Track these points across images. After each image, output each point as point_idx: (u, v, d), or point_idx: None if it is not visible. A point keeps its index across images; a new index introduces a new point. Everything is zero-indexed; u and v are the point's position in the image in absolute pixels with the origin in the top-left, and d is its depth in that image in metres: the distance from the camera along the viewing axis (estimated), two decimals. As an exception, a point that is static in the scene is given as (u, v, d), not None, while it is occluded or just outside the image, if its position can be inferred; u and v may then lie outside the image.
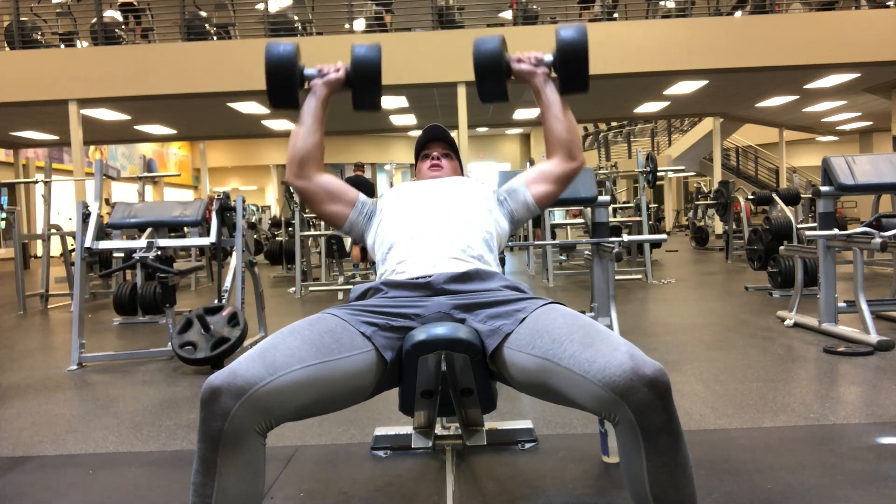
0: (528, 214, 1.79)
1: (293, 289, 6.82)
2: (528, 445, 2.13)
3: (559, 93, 1.71)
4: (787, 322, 4.06)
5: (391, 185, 10.03)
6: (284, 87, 1.63)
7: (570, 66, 1.63)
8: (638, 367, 1.10)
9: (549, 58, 1.70)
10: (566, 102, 1.72)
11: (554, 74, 1.72)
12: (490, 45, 1.67)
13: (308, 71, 1.71)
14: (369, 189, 7.80)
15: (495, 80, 1.70)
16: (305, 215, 7.54)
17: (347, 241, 6.94)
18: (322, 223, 8.02)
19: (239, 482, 1.16)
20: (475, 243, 1.60)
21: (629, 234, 8.03)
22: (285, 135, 14.45)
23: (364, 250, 7.37)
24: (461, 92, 8.80)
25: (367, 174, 11.70)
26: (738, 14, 9.59)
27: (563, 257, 9.42)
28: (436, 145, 1.90)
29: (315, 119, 1.69)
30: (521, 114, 12.75)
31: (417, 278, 1.49)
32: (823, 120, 15.12)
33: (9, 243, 13.78)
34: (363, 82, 1.67)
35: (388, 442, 2.15)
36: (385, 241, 1.65)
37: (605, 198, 3.81)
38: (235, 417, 1.12)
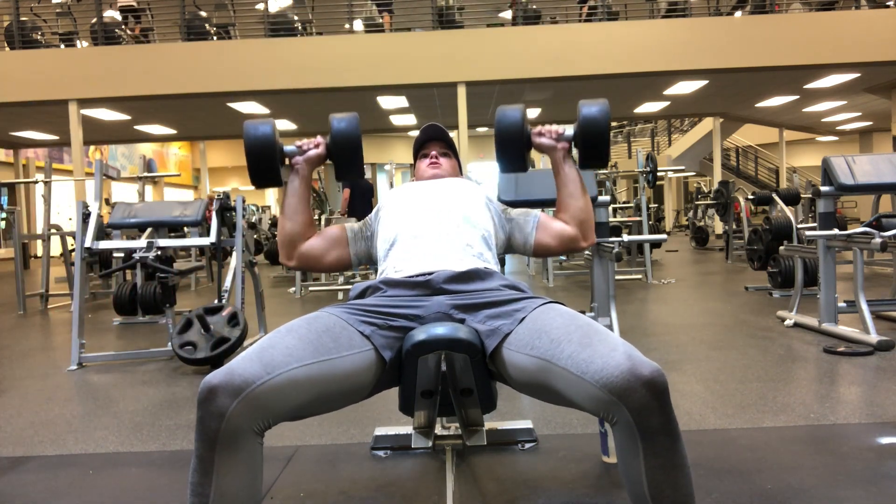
0: (519, 249, 1.78)
1: (293, 289, 6.82)
2: (528, 445, 2.13)
3: (579, 166, 1.70)
4: (787, 322, 4.06)
5: (391, 185, 10.02)
6: (266, 167, 1.62)
7: (591, 142, 1.63)
8: (635, 368, 1.10)
9: (569, 132, 1.69)
10: (582, 182, 1.72)
11: (574, 149, 1.71)
12: (512, 119, 1.67)
13: (288, 148, 1.70)
14: (367, 189, 7.75)
15: (516, 153, 1.70)
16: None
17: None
18: (322, 223, 8.02)
19: (236, 481, 1.16)
20: (475, 241, 1.60)
21: (629, 234, 8.03)
22: (285, 135, 14.46)
23: None
24: (461, 92, 8.79)
25: (367, 174, 11.67)
26: (738, 14, 9.60)
27: (563, 257, 9.41)
28: (434, 145, 1.90)
29: (300, 200, 1.69)
30: (521, 114, 12.72)
31: (417, 276, 1.49)
32: (823, 120, 15.12)
33: (9, 243, 13.78)
34: (343, 154, 1.67)
35: (388, 442, 2.15)
36: (385, 240, 1.65)
37: (605, 198, 3.80)
38: (232, 416, 1.12)
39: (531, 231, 1.74)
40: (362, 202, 7.58)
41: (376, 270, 1.69)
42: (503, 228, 1.76)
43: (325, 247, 1.73)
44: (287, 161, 1.71)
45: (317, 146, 1.69)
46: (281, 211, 1.73)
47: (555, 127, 1.70)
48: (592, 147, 1.64)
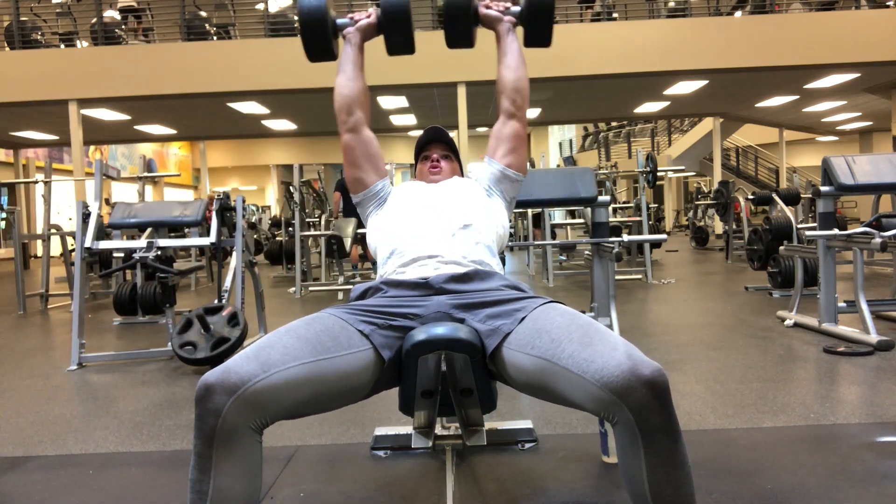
0: (515, 184, 1.81)
1: (293, 289, 6.82)
2: (528, 445, 2.13)
3: (524, 44, 1.77)
4: (787, 322, 4.06)
5: (391, 184, 9.98)
6: (319, 38, 1.68)
7: (537, 19, 1.69)
8: (636, 368, 1.10)
9: (516, 8, 1.75)
10: (522, 56, 1.77)
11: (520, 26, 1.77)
12: None
13: (341, 20, 1.76)
14: None
15: (463, 24, 1.74)
16: (305, 215, 7.54)
17: (348, 242, 6.93)
18: (322, 223, 8.02)
19: (235, 479, 1.16)
20: (476, 249, 1.60)
21: (629, 234, 8.03)
22: (285, 135, 14.46)
23: (362, 254, 7.35)
24: (461, 92, 8.79)
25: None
26: (738, 14, 9.59)
27: (563, 257, 9.42)
28: (435, 147, 1.90)
29: (355, 66, 1.75)
30: (521, 114, 12.73)
31: (417, 278, 1.49)
32: (823, 120, 15.12)
33: (9, 243, 13.78)
34: (394, 25, 1.71)
35: (388, 442, 2.15)
36: (387, 240, 1.65)
37: (605, 198, 3.81)
38: (228, 414, 1.13)
39: (498, 168, 1.79)
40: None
41: (377, 271, 1.69)
42: (499, 196, 1.79)
43: (373, 159, 1.77)
44: (339, 34, 1.76)
45: (368, 16, 1.76)
46: (338, 75, 1.77)
47: (502, 1, 1.77)
48: (537, 24, 1.70)
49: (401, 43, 1.74)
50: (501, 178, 1.79)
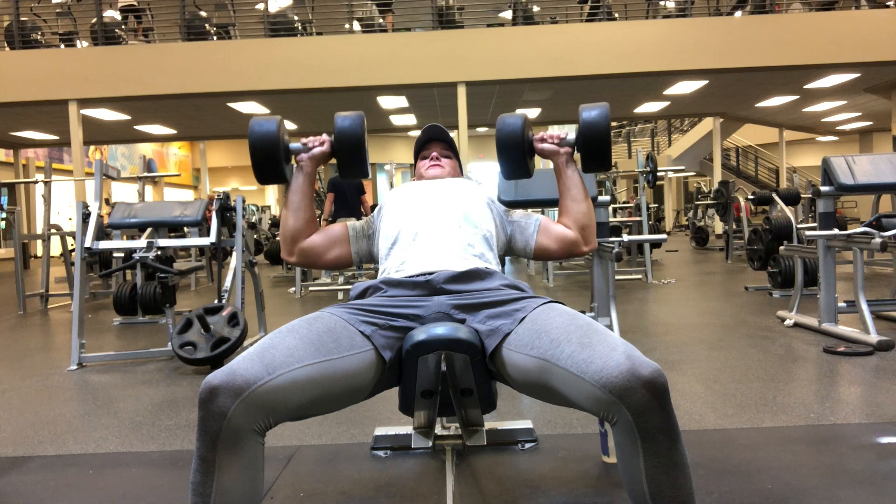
0: (520, 252, 1.78)
1: (293, 289, 6.82)
2: (528, 445, 2.13)
3: (582, 170, 1.71)
4: (787, 322, 4.06)
5: (391, 185, 10.00)
6: (270, 164, 1.63)
7: (593, 146, 1.64)
8: (635, 368, 1.10)
9: (571, 137, 1.70)
10: (584, 186, 1.73)
11: (576, 154, 1.72)
12: (512, 127, 1.68)
13: (294, 145, 1.70)
14: (356, 186, 7.68)
15: (518, 160, 1.71)
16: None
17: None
18: (322, 223, 8.02)
19: (238, 481, 1.16)
20: (476, 241, 1.61)
21: (629, 234, 8.03)
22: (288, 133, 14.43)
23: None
24: (461, 92, 8.79)
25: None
26: (738, 14, 9.59)
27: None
28: (435, 145, 1.91)
29: (303, 196, 1.70)
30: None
31: (417, 276, 1.49)
32: (823, 120, 15.12)
33: (9, 243, 13.79)
34: (348, 153, 1.67)
35: (388, 442, 2.15)
36: (387, 239, 1.66)
37: (605, 198, 3.80)
38: (233, 417, 1.13)
39: (532, 234, 1.74)
40: (350, 201, 7.49)
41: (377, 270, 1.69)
42: (504, 230, 1.76)
43: (327, 244, 1.73)
44: (293, 159, 1.72)
45: (321, 144, 1.70)
46: (284, 207, 1.74)
47: (556, 132, 1.72)
48: (594, 151, 1.65)
49: (354, 170, 1.70)
50: (523, 241, 1.75)
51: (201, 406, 1.13)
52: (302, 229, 1.70)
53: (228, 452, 1.14)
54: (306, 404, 1.24)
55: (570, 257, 1.77)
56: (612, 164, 1.69)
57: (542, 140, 1.72)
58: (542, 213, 7.59)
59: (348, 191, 7.48)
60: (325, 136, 1.71)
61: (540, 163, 9.44)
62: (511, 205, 3.20)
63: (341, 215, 7.37)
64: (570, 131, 1.72)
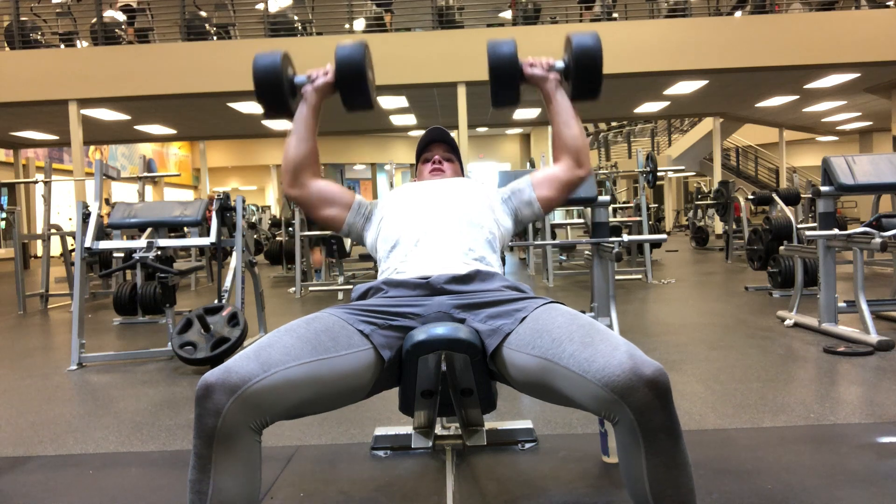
0: (532, 215, 1.78)
1: (293, 289, 6.82)
2: (528, 445, 2.13)
3: (570, 99, 1.72)
4: (787, 322, 4.06)
5: (391, 185, 10.00)
6: (274, 97, 1.63)
7: (584, 72, 1.64)
8: (637, 367, 1.10)
9: (561, 63, 1.71)
10: (576, 109, 1.73)
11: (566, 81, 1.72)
12: (504, 50, 1.67)
13: (298, 78, 1.71)
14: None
15: (509, 85, 1.71)
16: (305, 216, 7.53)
17: (348, 242, 6.94)
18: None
19: (234, 479, 1.16)
20: (478, 245, 1.60)
21: (629, 234, 8.03)
22: (285, 135, 14.43)
23: (328, 255, 7.32)
24: (461, 92, 8.79)
25: (367, 174, 11.62)
26: (738, 14, 9.59)
27: (563, 257, 9.42)
28: (437, 147, 1.90)
29: (307, 128, 1.70)
30: (521, 114, 12.75)
31: (418, 278, 1.49)
32: (823, 120, 15.12)
33: (9, 243, 13.78)
34: (348, 84, 1.67)
35: (388, 442, 2.15)
36: (388, 241, 1.65)
37: (605, 198, 3.81)
38: (228, 414, 1.13)
39: (531, 194, 1.76)
40: None
41: (377, 271, 1.69)
42: (510, 213, 1.76)
43: (328, 197, 1.74)
44: (298, 92, 1.72)
45: (325, 74, 1.70)
46: (288, 136, 1.73)
47: (546, 58, 1.73)
48: (586, 78, 1.65)
49: (357, 101, 1.70)
50: (527, 203, 1.76)
51: (197, 403, 1.14)
52: (305, 160, 1.70)
53: (224, 449, 1.14)
54: (302, 403, 1.24)
55: (573, 189, 1.77)
56: (600, 93, 1.69)
57: (532, 65, 1.73)
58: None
59: None
60: (329, 66, 1.71)
61: (540, 162, 9.32)
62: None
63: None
64: (558, 60, 1.73)
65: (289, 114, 1.68)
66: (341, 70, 1.65)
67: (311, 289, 6.86)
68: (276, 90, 1.62)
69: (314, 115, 1.71)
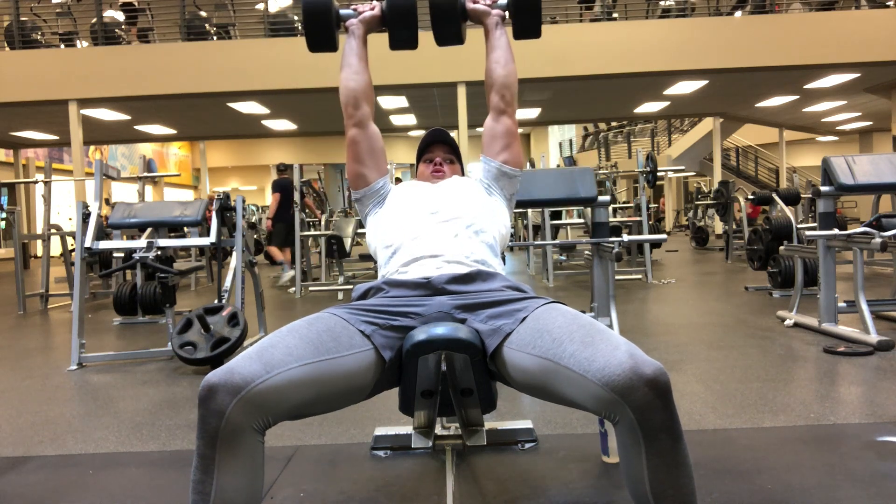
0: (513, 180, 1.81)
1: (293, 289, 6.82)
2: (528, 445, 2.13)
3: (513, 35, 1.76)
4: (787, 322, 4.06)
5: (391, 183, 9.95)
6: (322, 28, 1.67)
7: (524, 10, 1.68)
8: (638, 367, 1.10)
9: (503, 1, 1.74)
10: (511, 51, 1.76)
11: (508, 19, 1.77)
12: None
13: (345, 11, 1.75)
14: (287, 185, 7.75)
15: (451, 21, 1.73)
16: (305, 216, 7.54)
17: (347, 242, 6.94)
18: (322, 223, 8.02)
19: (237, 479, 1.16)
20: (478, 249, 1.60)
21: (629, 234, 8.03)
22: (285, 135, 14.45)
23: (292, 252, 7.36)
24: (461, 92, 8.79)
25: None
26: (738, 14, 9.60)
27: (563, 257, 9.42)
28: (438, 148, 1.90)
29: (359, 59, 1.74)
30: (521, 114, 12.74)
31: (419, 278, 1.49)
32: (823, 120, 15.12)
33: (9, 243, 13.78)
34: (399, 19, 1.70)
35: (388, 442, 2.15)
36: (388, 241, 1.65)
37: (605, 198, 3.80)
38: (232, 415, 1.13)
39: (491, 164, 1.79)
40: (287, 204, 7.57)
41: (378, 271, 1.69)
42: (499, 194, 1.79)
43: (376, 155, 1.78)
44: (343, 26, 1.76)
45: (372, 8, 1.75)
46: (343, 69, 1.75)
47: None
48: (526, 15, 1.70)
49: (405, 37, 1.73)
50: (499, 175, 1.79)
51: (200, 404, 1.14)
52: (363, 90, 1.74)
53: (228, 450, 1.14)
54: (305, 403, 1.24)
55: (515, 133, 1.80)
56: (541, 32, 1.72)
57: (475, 1, 1.76)
58: (542, 212, 7.47)
59: (280, 193, 7.54)
60: (375, 2, 1.76)
61: (540, 162, 9.34)
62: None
63: (285, 217, 7.42)
64: None
65: (334, 46, 1.71)
66: (393, 4, 1.68)
67: (311, 289, 6.86)
68: (324, 21, 1.67)
69: (363, 47, 1.76)
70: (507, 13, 1.76)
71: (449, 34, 1.75)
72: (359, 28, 1.74)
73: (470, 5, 1.75)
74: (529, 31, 1.71)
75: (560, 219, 8.54)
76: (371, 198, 1.78)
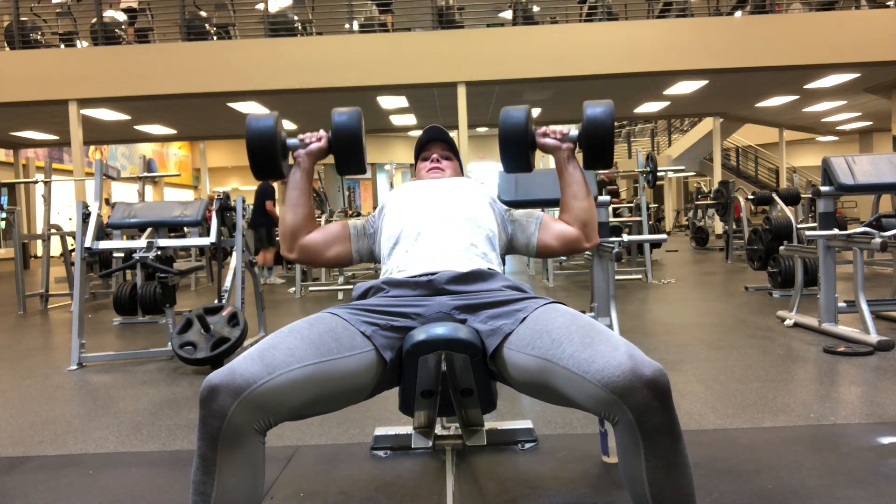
0: (522, 251, 1.78)
1: (293, 289, 6.82)
2: (528, 445, 2.13)
3: (583, 167, 1.71)
4: (787, 322, 4.06)
5: (391, 185, 9.99)
6: (267, 160, 1.63)
7: (595, 143, 1.63)
8: (637, 368, 1.09)
9: (574, 133, 1.69)
10: (587, 184, 1.72)
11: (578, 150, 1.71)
12: (516, 119, 1.67)
13: (290, 141, 1.70)
14: (262, 191, 7.85)
15: (520, 154, 1.70)
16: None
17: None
18: (322, 223, 8.01)
19: (238, 480, 1.16)
20: (479, 241, 1.60)
21: (629, 234, 8.03)
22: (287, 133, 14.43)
23: (277, 253, 7.42)
24: (461, 92, 8.79)
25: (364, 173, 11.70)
26: (738, 14, 9.59)
27: (563, 257, 9.42)
28: (435, 146, 1.90)
29: (301, 192, 1.70)
30: (521, 114, 12.74)
31: (419, 276, 1.49)
32: (823, 120, 15.11)
33: (9, 243, 13.78)
34: (344, 148, 1.67)
35: (388, 442, 2.15)
36: (389, 239, 1.65)
37: (605, 198, 3.80)
38: (234, 416, 1.13)
39: (534, 232, 1.74)
40: (255, 207, 7.67)
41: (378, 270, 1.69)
42: (505, 229, 1.76)
43: (327, 241, 1.73)
44: (290, 155, 1.72)
45: (319, 139, 1.70)
46: (282, 203, 1.73)
47: (559, 127, 1.70)
48: (597, 148, 1.64)
49: (351, 166, 1.70)
50: (525, 239, 1.75)
51: (202, 405, 1.14)
52: (301, 225, 1.70)
53: (229, 451, 1.14)
54: (306, 404, 1.24)
55: (572, 254, 1.77)
56: (613, 162, 1.68)
57: (545, 135, 1.70)
58: (543, 211, 7.59)
59: (255, 197, 7.63)
60: (322, 132, 1.71)
61: (540, 162, 9.41)
62: (511, 204, 3.19)
63: (262, 221, 7.53)
64: (572, 127, 1.70)
65: (280, 175, 1.68)
66: (338, 136, 1.66)
67: (311, 289, 6.86)
68: (269, 153, 1.62)
69: (307, 179, 1.71)
70: (576, 146, 1.70)
71: (518, 165, 1.72)
72: (305, 161, 1.69)
73: (540, 140, 1.69)
74: (601, 163, 1.67)
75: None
76: (364, 247, 1.77)
